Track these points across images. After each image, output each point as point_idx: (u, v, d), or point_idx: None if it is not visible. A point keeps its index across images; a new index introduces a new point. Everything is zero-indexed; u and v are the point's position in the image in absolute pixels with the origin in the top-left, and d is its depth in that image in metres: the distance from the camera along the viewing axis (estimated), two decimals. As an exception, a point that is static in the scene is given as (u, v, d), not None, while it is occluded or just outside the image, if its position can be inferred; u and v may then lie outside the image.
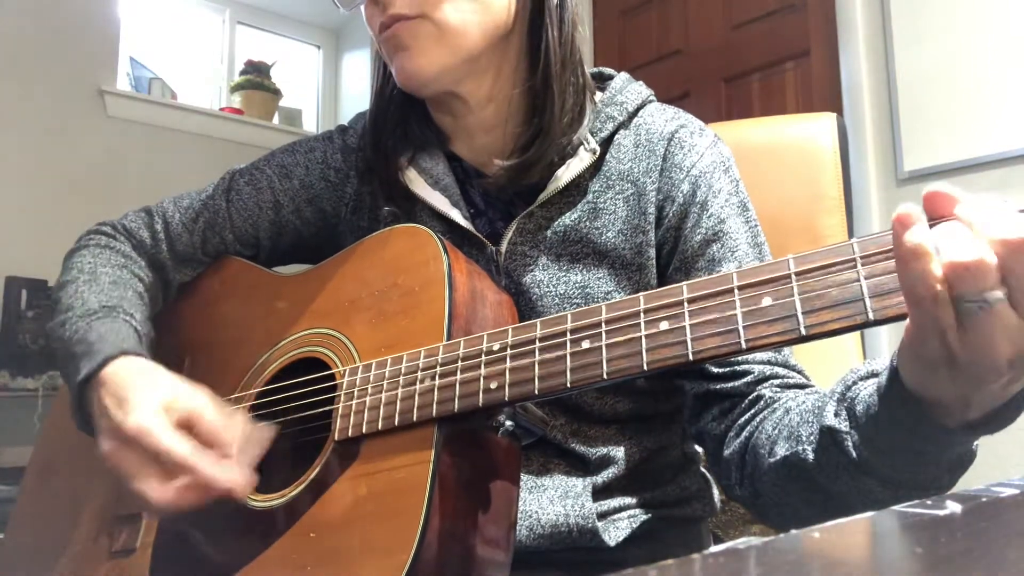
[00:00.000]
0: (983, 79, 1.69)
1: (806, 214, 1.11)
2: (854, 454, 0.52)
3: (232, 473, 0.62)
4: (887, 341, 1.68)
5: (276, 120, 3.44)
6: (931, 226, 0.44)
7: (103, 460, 0.64)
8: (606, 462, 0.75)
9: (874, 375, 0.55)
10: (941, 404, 0.47)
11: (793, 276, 0.48)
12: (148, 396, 0.64)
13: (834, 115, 1.14)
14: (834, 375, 0.61)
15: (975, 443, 0.51)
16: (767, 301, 0.48)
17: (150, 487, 0.61)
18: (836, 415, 0.55)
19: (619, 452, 0.75)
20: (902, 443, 0.50)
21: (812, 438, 0.56)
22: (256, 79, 3.36)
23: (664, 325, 0.52)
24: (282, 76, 3.51)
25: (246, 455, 0.63)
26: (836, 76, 2.03)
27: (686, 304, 0.51)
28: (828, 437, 0.54)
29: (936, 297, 0.41)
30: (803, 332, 0.46)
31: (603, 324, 0.54)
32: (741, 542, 0.28)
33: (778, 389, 0.67)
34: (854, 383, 0.55)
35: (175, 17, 3.40)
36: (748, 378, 0.68)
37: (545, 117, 0.73)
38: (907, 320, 0.44)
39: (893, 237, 0.42)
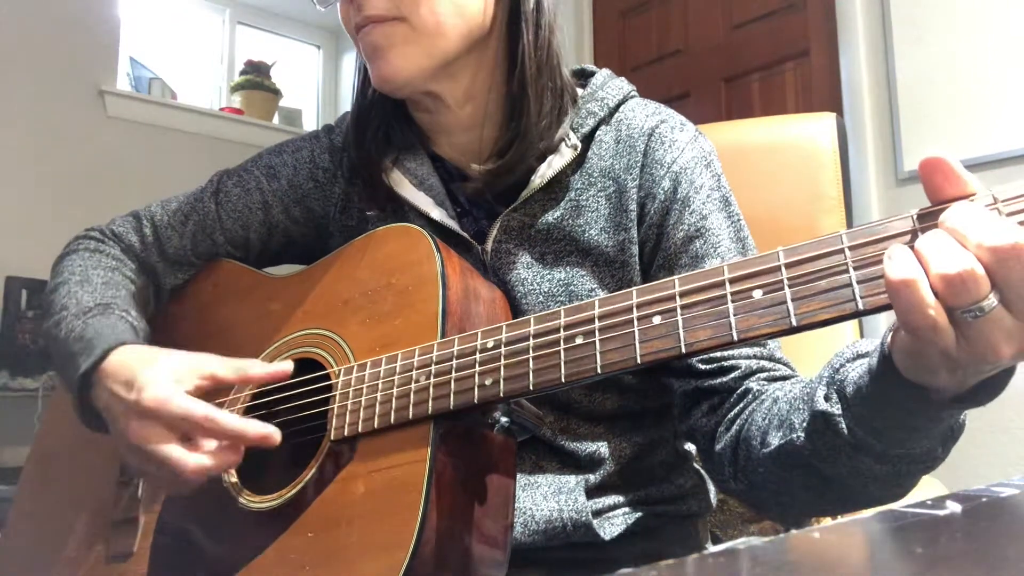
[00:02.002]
0: (983, 79, 1.69)
1: (806, 214, 1.11)
2: (848, 435, 0.53)
3: (256, 425, 0.62)
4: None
5: (276, 120, 3.44)
6: (924, 216, 0.44)
7: (125, 444, 0.64)
8: (597, 459, 0.75)
9: (860, 356, 0.55)
10: (937, 388, 0.47)
11: (783, 268, 0.48)
12: (157, 371, 0.65)
13: (834, 115, 1.14)
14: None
15: (963, 415, 0.52)
16: (758, 293, 0.49)
17: (180, 455, 0.62)
18: (827, 399, 0.55)
19: (609, 449, 0.75)
20: (897, 421, 0.51)
21: (804, 424, 0.57)
22: (256, 79, 3.35)
23: (656, 319, 0.52)
24: (282, 76, 3.51)
25: (277, 375, 0.67)
26: (836, 76, 2.03)
27: (678, 298, 0.52)
28: (821, 421, 0.55)
29: (935, 326, 0.41)
30: (794, 323, 0.47)
31: (596, 319, 0.55)
32: (740, 542, 0.28)
33: (765, 382, 0.68)
34: (841, 366, 0.56)
35: (175, 17, 3.40)
36: (735, 373, 0.69)
37: (522, 121, 0.73)
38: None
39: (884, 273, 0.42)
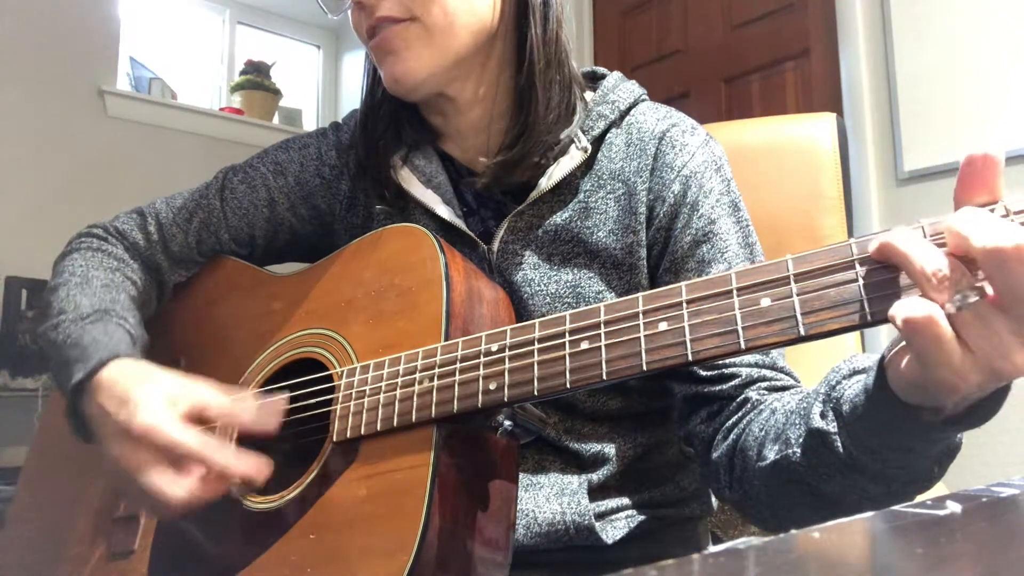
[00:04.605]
0: (983, 79, 1.68)
1: (806, 214, 1.11)
2: (843, 454, 0.52)
3: (247, 459, 0.61)
4: (887, 339, 1.68)
5: (276, 120, 3.43)
6: (935, 225, 0.44)
7: (112, 463, 0.64)
8: (601, 459, 0.75)
9: (857, 373, 0.55)
10: (932, 409, 0.47)
11: (792, 277, 0.48)
12: (151, 393, 0.63)
13: (834, 115, 1.14)
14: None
15: (960, 435, 0.51)
16: (766, 302, 0.48)
17: (165, 484, 0.60)
18: (823, 416, 0.54)
19: (613, 449, 0.75)
20: (892, 441, 0.50)
21: (800, 440, 0.56)
22: (256, 79, 3.35)
23: (663, 326, 0.51)
24: (282, 76, 3.51)
25: (265, 426, 0.64)
26: (836, 76, 2.03)
27: (685, 305, 0.51)
28: (817, 439, 0.54)
29: (939, 337, 0.41)
30: (802, 332, 0.46)
31: (602, 325, 0.54)
32: (741, 542, 0.28)
33: (765, 392, 0.67)
34: (838, 382, 0.55)
35: (175, 17, 3.40)
36: (736, 381, 0.68)
37: (530, 115, 0.73)
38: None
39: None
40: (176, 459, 0.61)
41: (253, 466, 0.61)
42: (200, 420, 0.64)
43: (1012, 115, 1.64)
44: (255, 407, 0.65)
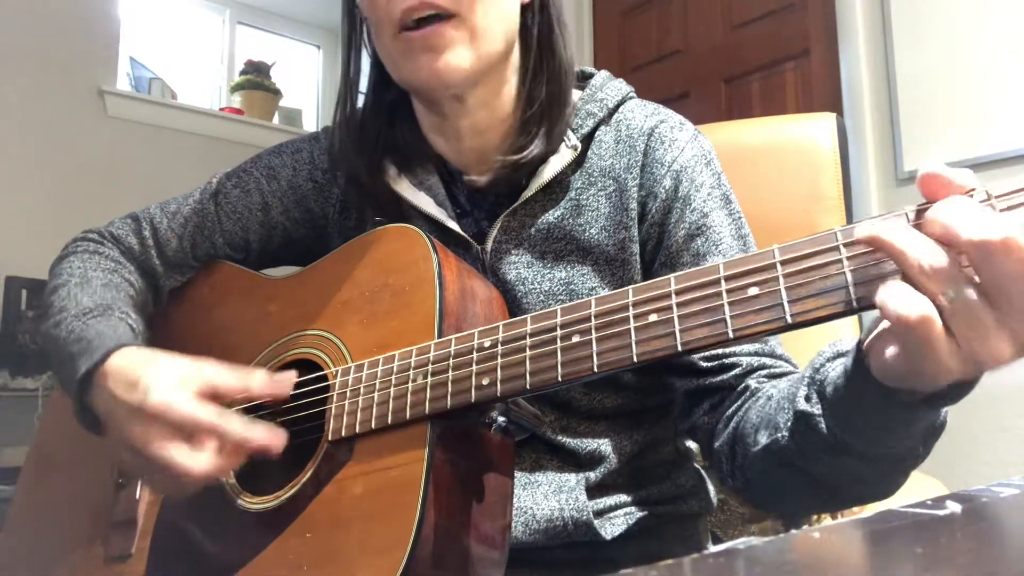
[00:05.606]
0: (983, 79, 1.68)
1: (806, 214, 1.11)
2: (828, 435, 0.53)
3: (261, 429, 0.62)
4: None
5: (276, 120, 3.43)
6: (920, 213, 0.44)
7: (125, 445, 0.64)
8: (597, 457, 0.75)
9: (840, 355, 0.56)
10: (909, 391, 0.47)
11: (778, 266, 0.48)
12: (162, 374, 0.64)
13: (834, 115, 1.14)
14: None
15: (944, 412, 0.52)
16: (753, 291, 0.49)
17: (183, 458, 0.61)
18: (807, 399, 0.56)
19: (609, 447, 0.76)
20: (873, 421, 0.51)
21: (788, 424, 0.58)
22: (256, 79, 3.35)
23: (653, 317, 0.52)
24: (282, 76, 3.51)
25: (276, 392, 0.66)
26: (836, 76, 2.03)
27: (674, 296, 0.52)
28: (803, 422, 0.55)
29: (927, 320, 0.41)
30: (789, 320, 0.47)
31: (592, 318, 0.55)
32: (741, 542, 0.28)
33: (764, 379, 0.68)
34: (821, 365, 0.56)
35: (175, 17, 3.40)
36: (736, 370, 0.69)
37: (530, 129, 0.74)
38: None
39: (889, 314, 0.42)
40: (191, 434, 0.62)
41: (268, 436, 0.62)
42: (211, 398, 0.65)
43: (1012, 115, 1.64)
44: (265, 378, 0.66)
